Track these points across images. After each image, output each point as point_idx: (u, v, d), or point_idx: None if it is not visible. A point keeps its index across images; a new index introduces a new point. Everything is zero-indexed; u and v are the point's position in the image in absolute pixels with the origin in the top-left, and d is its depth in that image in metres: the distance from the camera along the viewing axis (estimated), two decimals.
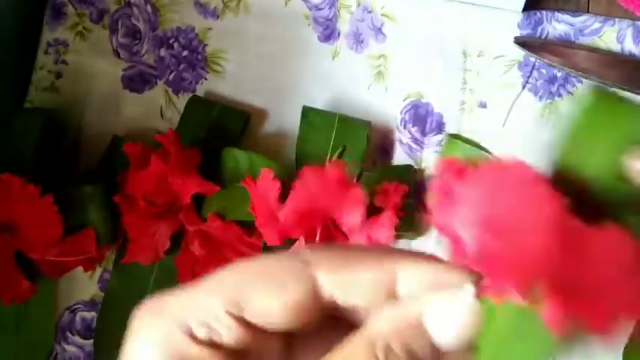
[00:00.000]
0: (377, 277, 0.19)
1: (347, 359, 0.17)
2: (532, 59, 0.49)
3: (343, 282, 0.19)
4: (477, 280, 0.18)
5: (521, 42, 0.48)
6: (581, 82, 0.48)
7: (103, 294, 0.51)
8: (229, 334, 0.18)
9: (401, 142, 0.50)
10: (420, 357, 0.17)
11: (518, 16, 0.49)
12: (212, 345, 0.18)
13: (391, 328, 0.18)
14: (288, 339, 0.19)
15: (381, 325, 0.18)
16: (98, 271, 0.51)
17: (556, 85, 0.49)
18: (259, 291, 0.19)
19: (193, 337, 0.18)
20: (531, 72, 0.49)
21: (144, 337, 0.19)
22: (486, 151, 0.40)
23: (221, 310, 0.18)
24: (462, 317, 0.17)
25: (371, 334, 0.18)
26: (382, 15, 0.50)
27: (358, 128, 0.48)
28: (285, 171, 0.46)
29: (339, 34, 0.51)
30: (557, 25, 0.49)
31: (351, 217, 0.42)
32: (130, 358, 0.18)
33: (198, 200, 0.46)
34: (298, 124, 0.49)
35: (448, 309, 0.18)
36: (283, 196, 0.43)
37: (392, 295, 0.19)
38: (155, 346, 0.18)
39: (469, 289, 0.17)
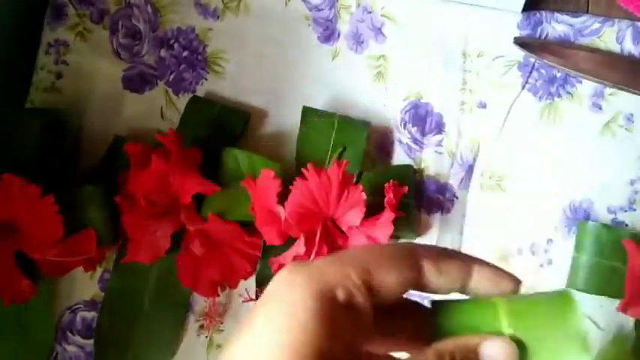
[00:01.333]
0: (460, 271, 0.25)
1: None
2: (532, 60, 0.49)
3: (438, 271, 0.24)
4: (517, 284, 0.26)
5: (520, 42, 0.48)
6: (581, 82, 0.48)
7: (103, 294, 0.51)
8: (361, 296, 0.23)
9: (401, 142, 0.50)
10: None
11: (518, 17, 0.49)
12: (348, 304, 0.23)
13: (455, 347, 0.24)
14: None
15: (448, 344, 0.24)
16: (99, 271, 0.51)
17: (555, 85, 0.49)
18: (384, 268, 0.23)
19: (343, 298, 0.23)
20: (531, 72, 0.49)
21: (298, 291, 0.22)
22: None
23: (357, 278, 0.23)
24: (506, 355, 0.24)
25: (440, 347, 0.23)
26: (382, 15, 0.50)
27: (358, 128, 0.48)
28: (285, 171, 0.46)
29: (339, 35, 0.51)
30: (556, 26, 0.49)
31: (351, 217, 0.42)
32: (283, 313, 0.22)
33: (199, 200, 0.46)
34: (298, 125, 0.49)
35: (495, 350, 0.24)
36: (283, 196, 0.43)
37: (465, 286, 0.25)
38: (311, 298, 0.22)
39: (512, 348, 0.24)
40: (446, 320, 0.26)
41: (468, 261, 0.26)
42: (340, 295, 0.22)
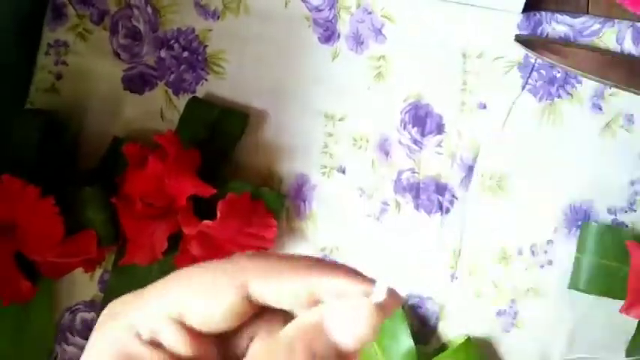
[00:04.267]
0: (297, 287, 0.21)
1: None
2: (532, 60, 0.49)
3: (271, 290, 0.21)
4: (380, 290, 0.20)
5: (521, 40, 0.48)
6: (581, 82, 0.48)
7: (103, 295, 0.51)
8: (170, 337, 0.20)
9: (400, 142, 0.50)
10: (320, 355, 0.19)
11: (518, 17, 0.49)
12: (156, 345, 0.20)
13: (296, 330, 0.20)
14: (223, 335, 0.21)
15: (288, 330, 0.20)
16: (98, 271, 0.51)
17: (556, 86, 0.49)
18: (199, 299, 0.21)
19: (139, 338, 0.20)
20: (531, 73, 0.49)
21: (99, 337, 0.21)
22: None
23: (164, 316, 0.21)
24: (357, 321, 0.19)
25: (279, 337, 0.20)
26: (382, 16, 0.50)
27: None
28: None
29: (339, 36, 0.51)
30: (556, 26, 0.49)
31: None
32: (87, 356, 0.21)
33: (198, 200, 0.46)
34: (298, 125, 0.49)
35: (345, 313, 0.20)
36: None
37: (315, 302, 0.21)
38: (107, 344, 0.20)
39: (366, 298, 0.20)
40: None
41: (306, 273, 0.22)
42: (145, 335, 0.21)
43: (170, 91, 0.52)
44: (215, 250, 0.46)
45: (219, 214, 0.45)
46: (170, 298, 0.21)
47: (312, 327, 0.19)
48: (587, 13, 0.49)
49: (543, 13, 0.49)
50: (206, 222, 0.44)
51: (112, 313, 0.22)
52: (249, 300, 0.21)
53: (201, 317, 0.21)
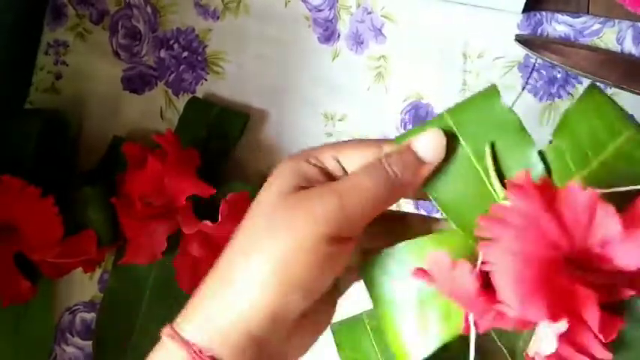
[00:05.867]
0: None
1: (368, 167, 0.29)
2: (532, 60, 0.49)
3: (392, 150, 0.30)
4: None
5: (522, 40, 0.48)
6: (581, 82, 0.48)
7: (102, 295, 0.51)
8: (332, 166, 0.30)
9: None
10: (409, 164, 0.29)
11: (518, 17, 0.49)
12: (320, 167, 0.30)
13: (393, 149, 0.30)
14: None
15: (387, 148, 0.30)
16: (98, 272, 0.51)
17: (556, 86, 0.49)
18: (349, 151, 0.30)
19: (309, 162, 0.30)
20: (531, 73, 0.49)
21: (280, 166, 0.30)
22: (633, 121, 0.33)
23: (330, 156, 0.30)
24: (433, 143, 0.29)
25: (384, 152, 0.30)
26: (382, 16, 0.50)
27: None
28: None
29: (339, 36, 0.51)
30: (557, 26, 0.49)
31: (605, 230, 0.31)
32: (274, 177, 0.29)
33: (197, 200, 0.46)
34: (298, 125, 0.49)
35: (426, 138, 0.29)
36: None
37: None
38: (285, 167, 0.30)
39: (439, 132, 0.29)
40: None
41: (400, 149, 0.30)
42: (315, 161, 0.30)
43: (170, 91, 0.52)
44: (215, 250, 0.46)
45: (220, 216, 0.45)
46: (331, 150, 0.30)
47: (404, 147, 0.30)
48: (588, 13, 0.49)
49: (544, 13, 0.49)
50: (206, 222, 0.44)
51: (293, 156, 0.30)
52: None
53: (348, 161, 0.30)
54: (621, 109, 0.32)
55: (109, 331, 0.50)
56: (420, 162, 0.29)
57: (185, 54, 0.52)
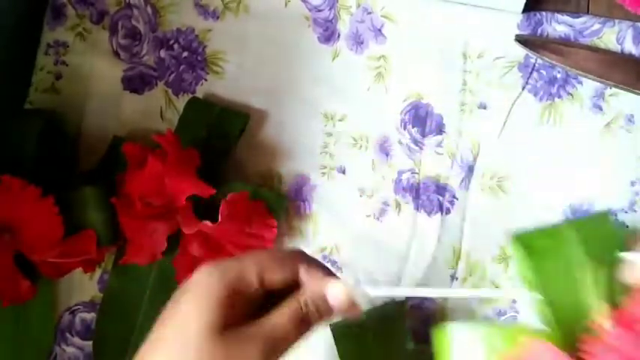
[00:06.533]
0: (318, 274, 0.34)
1: (285, 310, 0.33)
2: (532, 60, 0.49)
3: (307, 274, 0.34)
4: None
5: (522, 40, 0.48)
6: (581, 83, 0.48)
7: (102, 295, 0.51)
8: (253, 287, 0.33)
9: (401, 143, 0.50)
10: (322, 310, 0.33)
11: (518, 17, 0.49)
12: (242, 291, 0.32)
13: (311, 295, 0.33)
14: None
15: (306, 293, 0.34)
16: (98, 272, 0.51)
17: (556, 86, 0.49)
18: (273, 269, 0.33)
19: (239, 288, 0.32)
20: (531, 73, 0.49)
21: (208, 284, 0.32)
22: None
23: (254, 276, 0.33)
24: (341, 297, 0.34)
25: (301, 296, 0.33)
26: (382, 16, 0.50)
27: None
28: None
29: (339, 36, 0.51)
30: (557, 27, 0.49)
31: None
32: (196, 298, 0.31)
33: (197, 200, 0.46)
34: (298, 125, 0.49)
35: (335, 290, 0.34)
36: None
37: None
38: (212, 287, 0.32)
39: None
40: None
41: (321, 269, 0.35)
42: (241, 286, 0.32)
43: (170, 91, 0.52)
44: (215, 250, 0.46)
45: (220, 216, 0.45)
46: (256, 264, 0.33)
47: (318, 293, 0.34)
48: (588, 13, 0.49)
49: (544, 13, 0.49)
50: (206, 222, 0.44)
51: (212, 267, 0.33)
52: (294, 278, 0.34)
53: (271, 279, 0.33)
54: None
55: (109, 331, 0.50)
56: (329, 309, 0.34)
57: (185, 54, 0.52)
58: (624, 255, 0.31)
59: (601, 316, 0.30)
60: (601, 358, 0.28)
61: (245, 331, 0.31)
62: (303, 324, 0.33)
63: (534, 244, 0.33)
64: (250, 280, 0.32)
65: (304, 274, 0.34)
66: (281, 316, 0.32)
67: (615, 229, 0.32)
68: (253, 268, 0.33)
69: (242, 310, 0.32)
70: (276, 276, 0.33)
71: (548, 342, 0.29)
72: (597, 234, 0.32)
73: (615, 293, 0.31)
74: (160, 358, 0.31)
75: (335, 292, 0.34)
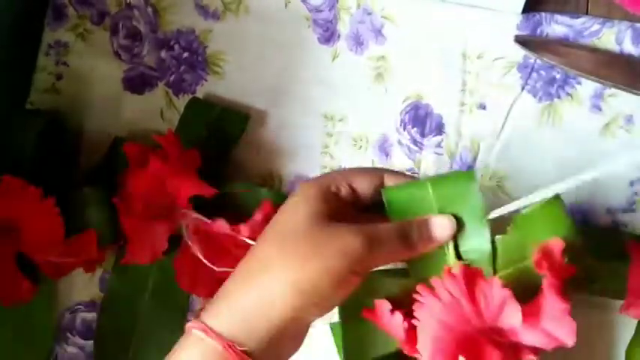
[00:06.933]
0: (399, 178, 0.40)
1: (392, 222, 0.38)
2: (531, 61, 0.49)
3: (390, 180, 0.39)
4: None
5: (521, 41, 0.48)
6: (580, 83, 0.48)
7: (103, 295, 0.51)
8: (345, 190, 0.38)
9: (400, 143, 0.50)
10: (424, 237, 0.36)
11: (518, 18, 0.49)
12: (338, 197, 0.37)
13: (413, 222, 0.37)
14: None
15: (407, 221, 0.37)
16: (98, 271, 0.51)
17: (555, 86, 0.49)
18: (359, 177, 0.38)
19: (332, 192, 0.37)
20: (530, 73, 0.49)
21: (309, 186, 0.37)
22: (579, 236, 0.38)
23: (343, 181, 0.38)
24: (447, 227, 0.37)
25: (400, 223, 0.37)
26: (382, 17, 0.50)
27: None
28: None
29: (339, 36, 0.51)
30: (556, 27, 0.49)
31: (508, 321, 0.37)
32: (299, 202, 0.37)
33: (198, 201, 0.46)
34: (298, 125, 0.49)
35: (442, 221, 0.37)
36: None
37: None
38: (313, 194, 0.37)
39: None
40: (395, 206, 0.37)
41: (405, 176, 0.40)
42: (334, 189, 0.37)
43: (170, 91, 0.52)
44: (217, 251, 0.46)
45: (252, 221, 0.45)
46: (345, 175, 0.39)
47: (420, 222, 0.38)
48: (587, 13, 0.49)
49: (543, 13, 0.49)
50: (209, 223, 0.44)
51: (311, 181, 0.39)
52: (379, 183, 0.39)
53: (359, 186, 0.39)
54: (574, 225, 0.37)
55: (109, 330, 0.50)
56: (431, 238, 0.36)
57: (185, 54, 0.52)
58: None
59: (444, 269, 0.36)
60: (427, 304, 0.34)
61: (350, 225, 0.35)
62: (405, 240, 0.35)
63: (397, 198, 0.38)
64: (341, 185, 0.37)
65: (389, 179, 0.38)
66: (386, 224, 0.36)
67: (470, 189, 0.36)
68: (343, 177, 0.38)
69: (342, 211, 0.36)
70: (362, 182, 0.38)
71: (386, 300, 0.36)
72: (452, 192, 0.37)
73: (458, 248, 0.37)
74: (274, 240, 0.35)
75: (440, 221, 0.36)
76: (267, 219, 0.41)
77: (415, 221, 0.36)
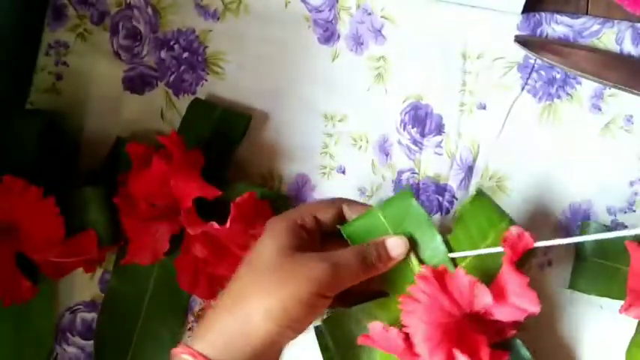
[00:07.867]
0: (359, 209, 0.43)
1: (350, 247, 0.41)
2: (531, 61, 0.49)
3: (350, 211, 0.43)
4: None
5: (521, 41, 0.48)
6: (580, 83, 0.48)
7: (103, 295, 0.51)
8: (311, 223, 0.41)
9: (400, 143, 0.50)
10: (382, 256, 0.40)
11: (518, 18, 0.49)
12: (303, 227, 0.41)
13: (370, 244, 0.41)
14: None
15: (364, 244, 0.41)
16: (99, 272, 0.51)
17: (555, 86, 0.49)
18: (322, 210, 0.42)
19: (299, 225, 0.40)
20: (530, 73, 0.49)
21: (277, 222, 0.40)
22: (507, 216, 0.42)
23: (309, 215, 0.41)
24: (401, 246, 0.41)
25: (358, 247, 0.41)
26: (382, 17, 0.50)
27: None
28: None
29: (338, 36, 0.51)
30: (556, 27, 0.49)
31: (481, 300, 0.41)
32: (270, 236, 0.39)
33: (199, 201, 0.46)
34: (298, 126, 0.49)
35: (396, 241, 0.41)
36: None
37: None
38: (283, 228, 0.40)
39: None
40: (355, 237, 0.41)
41: (359, 205, 0.43)
42: (300, 221, 0.40)
43: (170, 91, 0.52)
44: (219, 251, 0.46)
45: (230, 218, 0.44)
46: (310, 209, 0.42)
47: (377, 244, 0.41)
48: (587, 13, 0.49)
49: (543, 13, 0.49)
50: (212, 224, 0.44)
51: (281, 217, 0.41)
52: (340, 214, 0.43)
53: (323, 218, 0.42)
54: (499, 207, 0.42)
55: (109, 331, 0.50)
56: (389, 257, 0.40)
57: (185, 55, 0.52)
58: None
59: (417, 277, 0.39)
60: (411, 310, 0.38)
61: (314, 254, 0.38)
62: (364, 261, 0.39)
63: (355, 230, 0.42)
64: (308, 218, 0.41)
65: (347, 210, 0.42)
66: (346, 250, 0.40)
67: (410, 204, 0.41)
68: (307, 210, 0.41)
69: (308, 242, 0.40)
70: (324, 213, 0.41)
71: (386, 312, 0.41)
72: (398, 212, 0.41)
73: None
74: (248, 273, 0.38)
75: (393, 241, 0.40)
76: (240, 218, 0.45)
77: (372, 244, 0.40)
